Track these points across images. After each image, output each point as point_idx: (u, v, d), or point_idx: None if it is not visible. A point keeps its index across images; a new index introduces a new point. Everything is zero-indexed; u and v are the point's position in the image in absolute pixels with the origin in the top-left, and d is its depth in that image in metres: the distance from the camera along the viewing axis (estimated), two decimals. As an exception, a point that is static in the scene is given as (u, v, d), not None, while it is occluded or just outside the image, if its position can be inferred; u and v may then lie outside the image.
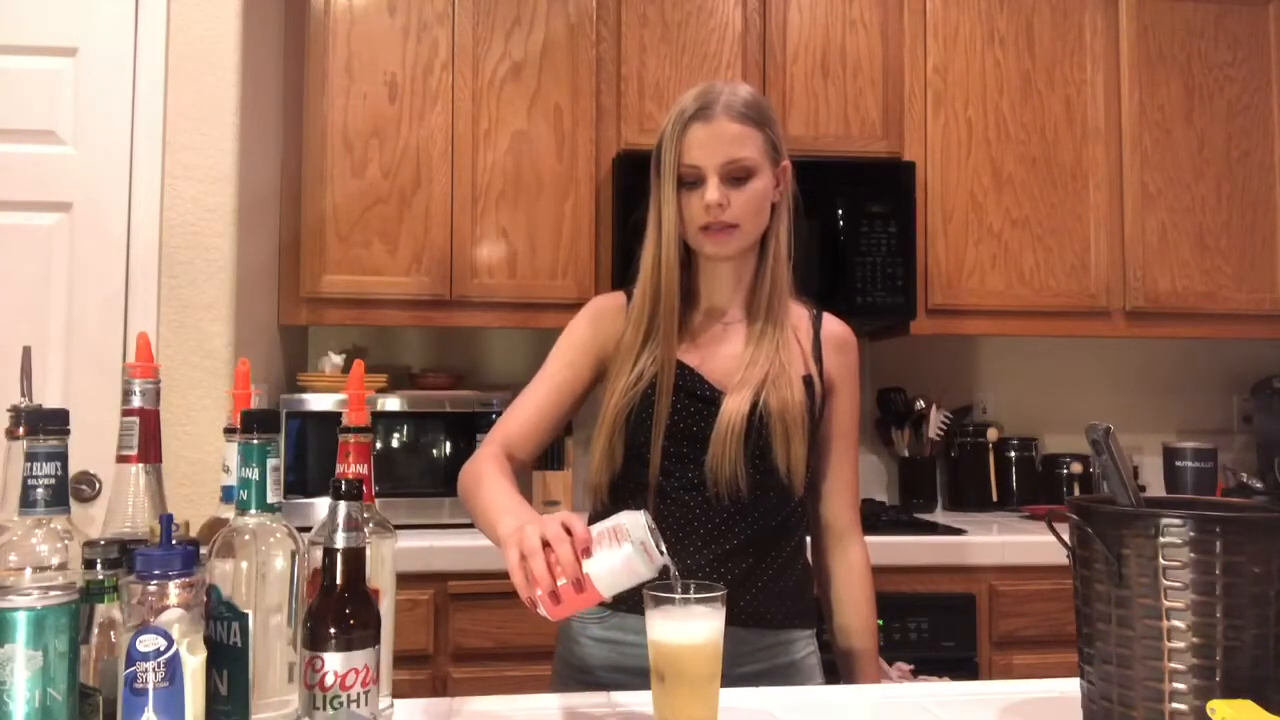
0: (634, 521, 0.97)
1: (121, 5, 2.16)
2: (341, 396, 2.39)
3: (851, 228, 2.55)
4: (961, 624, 2.28)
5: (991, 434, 2.88)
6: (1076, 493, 2.84)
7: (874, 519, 2.50)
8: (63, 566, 0.81)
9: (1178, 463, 2.84)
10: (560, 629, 1.40)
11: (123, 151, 2.15)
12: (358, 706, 0.86)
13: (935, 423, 2.84)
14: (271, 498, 0.92)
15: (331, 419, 2.36)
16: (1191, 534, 0.89)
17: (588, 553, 0.96)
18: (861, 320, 2.39)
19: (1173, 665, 0.89)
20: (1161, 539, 0.90)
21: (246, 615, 0.87)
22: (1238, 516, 0.90)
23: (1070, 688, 1.07)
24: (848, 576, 1.43)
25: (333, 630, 0.87)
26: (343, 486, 0.90)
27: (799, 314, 1.41)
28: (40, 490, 0.82)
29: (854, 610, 1.42)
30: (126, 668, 0.77)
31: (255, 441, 0.91)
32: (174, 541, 0.81)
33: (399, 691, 1.07)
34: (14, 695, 0.76)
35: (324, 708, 0.86)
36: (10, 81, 2.13)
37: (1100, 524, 0.94)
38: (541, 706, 1.13)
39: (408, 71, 2.53)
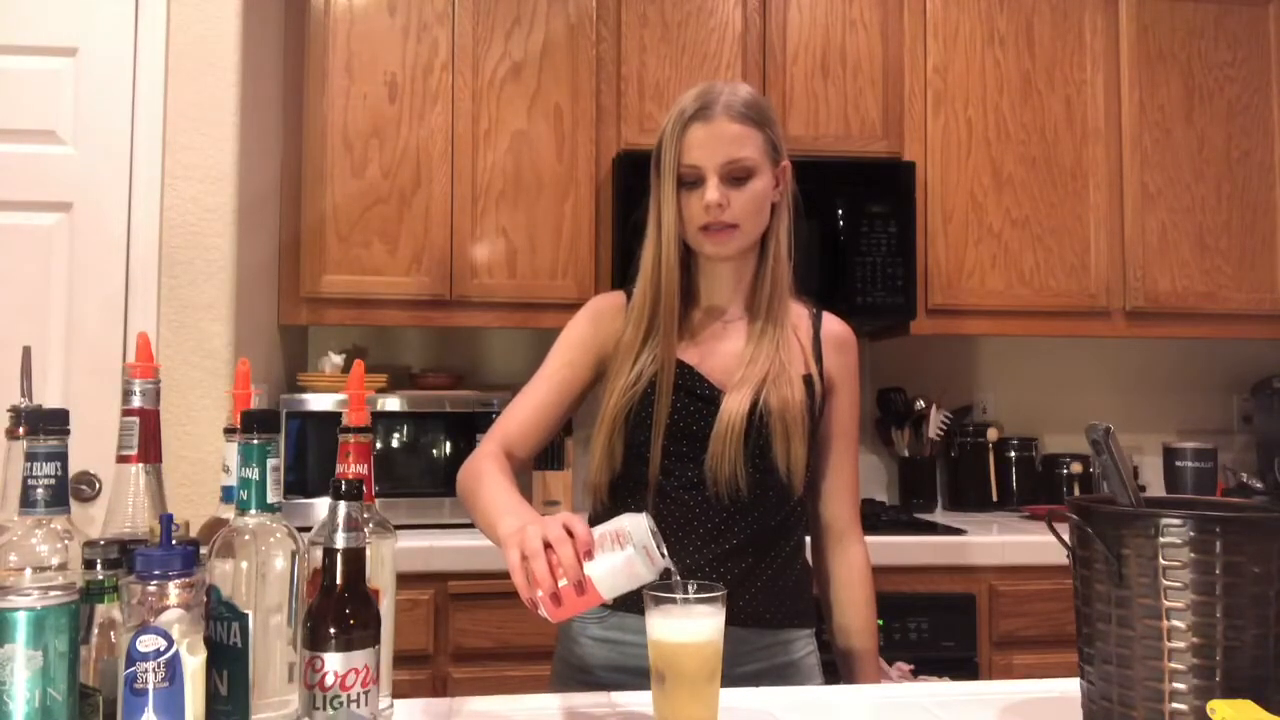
0: (636, 524, 0.97)
1: (121, 5, 2.16)
2: (341, 396, 2.40)
3: (851, 228, 2.55)
4: (961, 624, 2.28)
5: (991, 434, 2.88)
6: (1076, 493, 2.84)
7: (874, 519, 2.50)
8: (63, 566, 0.81)
9: (1178, 463, 2.84)
10: (560, 629, 1.40)
11: (123, 151, 2.15)
12: (358, 706, 0.87)
13: (935, 423, 2.84)
14: (271, 498, 0.92)
15: (331, 419, 2.36)
16: (1191, 534, 0.89)
17: (589, 555, 0.96)
18: (861, 320, 2.39)
19: (1173, 665, 0.89)
20: (1161, 539, 0.90)
21: (246, 615, 0.87)
22: (1238, 516, 0.90)
23: (1070, 688, 1.07)
24: (848, 576, 1.43)
25: (333, 630, 0.87)
26: (343, 486, 0.90)
27: (799, 313, 1.41)
28: (40, 490, 0.82)
29: (854, 610, 1.42)
30: (126, 668, 0.77)
31: (255, 441, 0.91)
32: (174, 541, 0.81)
33: (399, 691, 1.07)
34: (14, 695, 0.76)
35: (324, 708, 0.86)
36: (10, 81, 2.13)
37: (1100, 524, 0.94)
38: (541, 706, 1.13)
39: (408, 71, 2.53)
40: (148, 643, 0.77)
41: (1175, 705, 0.89)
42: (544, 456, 2.49)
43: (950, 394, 2.95)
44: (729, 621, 1.00)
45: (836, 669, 1.43)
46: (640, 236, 1.37)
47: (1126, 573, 0.92)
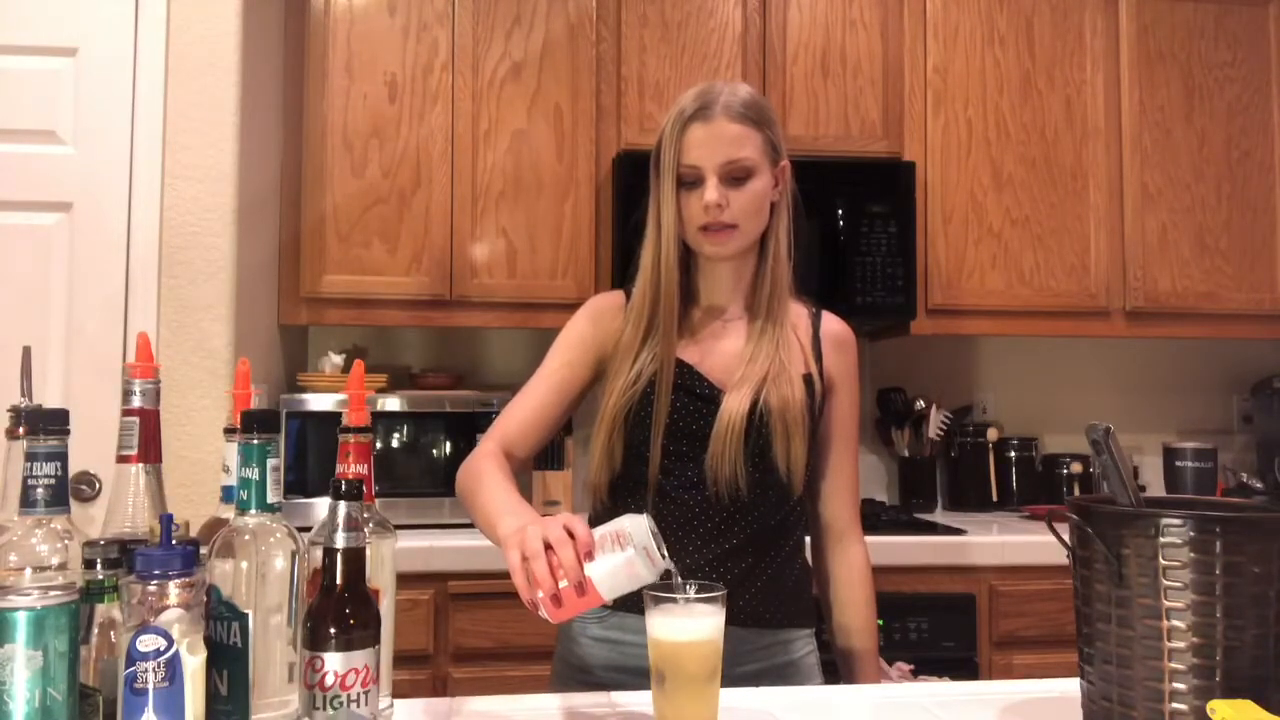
0: (636, 525, 0.97)
1: (121, 5, 2.16)
2: (341, 396, 2.40)
3: (851, 228, 2.55)
4: (961, 624, 2.28)
5: (991, 434, 2.88)
6: (1076, 493, 2.84)
7: (874, 519, 2.50)
8: (63, 566, 0.81)
9: (1178, 463, 2.84)
10: (560, 629, 1.40)
11: (123, 151, 2.15)
12: (358, 706, 0.87)
13: (935, 423, 2.84)
14: (271, 498, 0.92)
15: (331, 419, 2.36)
16: (1191, 534, 0.89)
17: (590, 555, 0.96)
18: (861, 320, 2.39)
19: (1173, 665, 0.89)
20: (1161, 539, 0.90)
21: (246, 615, 0.87)
22: (1238, 516, 0.90)
23: (1070, 688, 1.07)
24: (848, 576, 1.43)
25: (333, 630, 0.87)
26: (343, 486, 0.90)
27: (798, 312, 1.41)
28: (40, 490, 0.82)
29: (854, 610, 1.42)
30: (126, 668, 0.77)
31: (255, 441, 0.91)
32: (174, 541, 0.81)
33: (399, 691, 1.07)
34: (14, 695, 0.76)
35: (324, 708, 0.86)
36: (10, 81, 2.13)
37: (1100, 524, 0.94)
38: (541, 706, 1.13)
39: (408, 71, 2.53)
40: (148, 642, 0.77)
41: (1175, 705, 0.89)
42: (544, 456, 2.49)
43: (950, 394, 2.95)
44: (729, 621, 1.00)
45: (836, 669, 1.43)
46: (640, 236, 1.37)
47: (1126, 573, 0.92)
